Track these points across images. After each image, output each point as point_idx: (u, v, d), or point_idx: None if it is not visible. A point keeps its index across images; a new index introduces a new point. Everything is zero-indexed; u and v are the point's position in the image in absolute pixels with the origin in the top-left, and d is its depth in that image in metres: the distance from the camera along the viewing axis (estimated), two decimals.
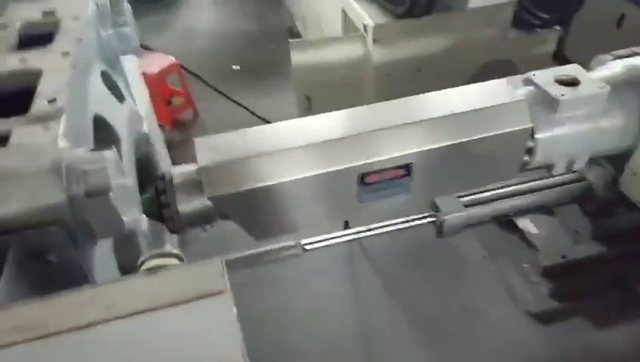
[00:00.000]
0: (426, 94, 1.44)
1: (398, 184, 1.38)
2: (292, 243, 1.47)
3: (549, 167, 1.50)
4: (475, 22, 2.94)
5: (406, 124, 1.32)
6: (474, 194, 1.76)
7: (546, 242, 1.77)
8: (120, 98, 1.15)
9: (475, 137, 1.35)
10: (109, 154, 0.75)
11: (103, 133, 1.00)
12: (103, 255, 0.83)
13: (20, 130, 0.76)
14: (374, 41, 2.86)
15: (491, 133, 1.36)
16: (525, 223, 1.90)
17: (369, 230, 1.69)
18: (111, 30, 1.18)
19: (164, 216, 1.23)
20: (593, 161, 1.66)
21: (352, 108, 1.38)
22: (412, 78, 3.02)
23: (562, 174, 1.73)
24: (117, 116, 1.06)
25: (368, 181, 1.33)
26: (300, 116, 3.39)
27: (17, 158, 0.70)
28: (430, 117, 1.34)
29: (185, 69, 4.58)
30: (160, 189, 1.22)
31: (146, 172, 1.36)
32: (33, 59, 0.93)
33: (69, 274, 0.73)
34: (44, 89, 0.84)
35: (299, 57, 3.05)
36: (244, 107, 4.27)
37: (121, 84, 1.23)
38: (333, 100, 3.16)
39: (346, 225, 1.77)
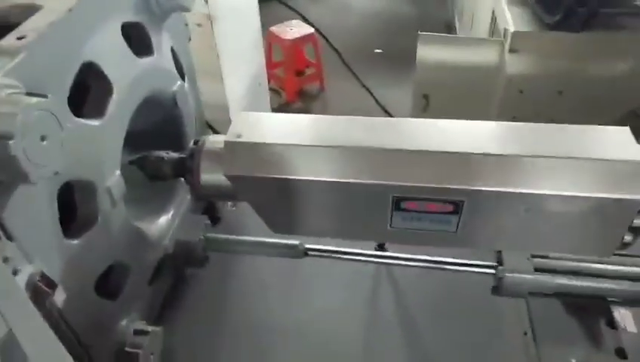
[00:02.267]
0: (515, 123, 1.17)
1: (441, 220, 1.16)
2: (294, 242, 1.36)
3: None
4: None
5: (465, 153, 1.08)
6: (554, 259, 1.41)
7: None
8: (143, 52, 1.14)
9: (556, 193, 1.05)
10: (29, 101, 0.74)
11: (95, 82, 1.00)
12: (33, 200, 0.83)
13: None
14: (512, 49, 2.47)
15: (581, 194, 1.04)
16: (624, 315, 1.47)
17: (402, 259, 1.47)
18: None
19: (187, 181, 1.23)
20: None
21: (415, 119, 1.20)
22: (549, 102, 2.56)
23: None
24: (122, 68, 1.05)
25: (405, 207, 1.14)
26: (414, 114, 3.16)
27: None
28: (502, 152, 1.08)
29: (327, 41, 4.61)
30: (189, 154, 1.22)
31: (172, 131, 1.37)
32: None
33: None
34: (27, 25, 0.86)
35: (425, 52, 2.81)
36: (370, 92, 4.15)
37: (159, 40, 1.23)
38: (453, 106, 2.88)
39: (381, 248, 1.58)
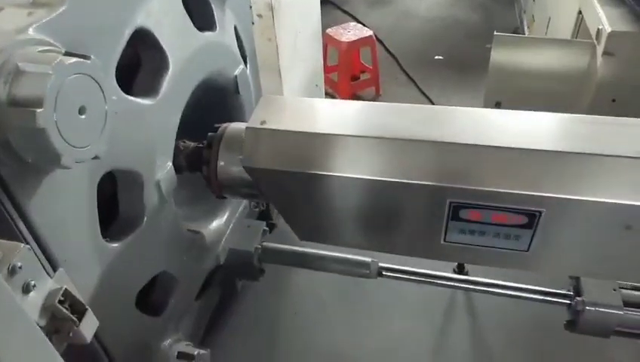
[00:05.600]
0: (603, 117, 0.95)
1: (509, 234, 0.93)
2: (366, 259, 1.15)
3: None
4: None
5: (546, 151, 0.86)
6: None
7: None
8: (204, 26, 0.98)
9: None
10: (65, 60, 0.57)
11: (148, 53, 0.84)
12: (63, 191, 0.66)
13: (6, 11, 0.63)
14: (606, 52, 2.18)
15: None
16: None
17: (474, 283, 1.24)
18: None
19: (203, 175, 1.05)
20: None
21: (478, 108, 0.98)
22: None
23: None
24: (180, 40, 0.89)
25: (464, 216, 0.92)
26: None
27: None
28: (599, 151, 0.86)
29: (383, 45, 4.41)
30: (207, 143, 1.04)
31: (225, 118, 1.19)
32: None
33: None
34: None
35: (500, 54, 2.55)
36: (429, 99, 3.90)
37: (222, 16, 1.06)
38: None
39: (461, 269, 1.35)
